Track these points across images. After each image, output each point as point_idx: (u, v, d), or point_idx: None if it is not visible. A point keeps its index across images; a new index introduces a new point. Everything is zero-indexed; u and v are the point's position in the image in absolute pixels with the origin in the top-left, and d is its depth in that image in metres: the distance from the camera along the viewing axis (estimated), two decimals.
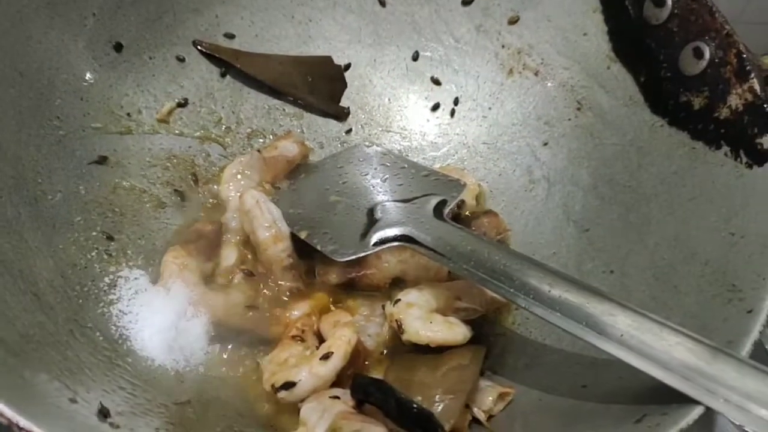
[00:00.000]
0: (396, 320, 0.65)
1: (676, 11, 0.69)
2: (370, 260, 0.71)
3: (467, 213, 0.80)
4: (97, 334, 0.61)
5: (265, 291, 0.70)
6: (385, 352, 0.68)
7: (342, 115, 0.87)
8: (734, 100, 0.65)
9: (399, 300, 0.67)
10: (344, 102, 0.87)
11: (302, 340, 0.66)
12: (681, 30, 0.69)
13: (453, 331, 0.65)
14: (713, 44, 0.67)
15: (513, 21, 0.83)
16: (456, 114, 0.87)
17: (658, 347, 0.51)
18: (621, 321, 0.53)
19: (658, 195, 0.70)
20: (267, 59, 0.85)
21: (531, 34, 0.83)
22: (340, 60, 0.87)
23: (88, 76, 0.73)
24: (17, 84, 0.66)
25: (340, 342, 0.62)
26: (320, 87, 0.87)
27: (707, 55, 0.67)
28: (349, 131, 0.87)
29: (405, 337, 0.64)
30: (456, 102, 0.87)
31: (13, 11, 0.66)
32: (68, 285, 0.63)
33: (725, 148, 0.65)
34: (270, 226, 0.69)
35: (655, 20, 0.71)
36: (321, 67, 0.87)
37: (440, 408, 0.59)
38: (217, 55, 0.82)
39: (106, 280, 0.67)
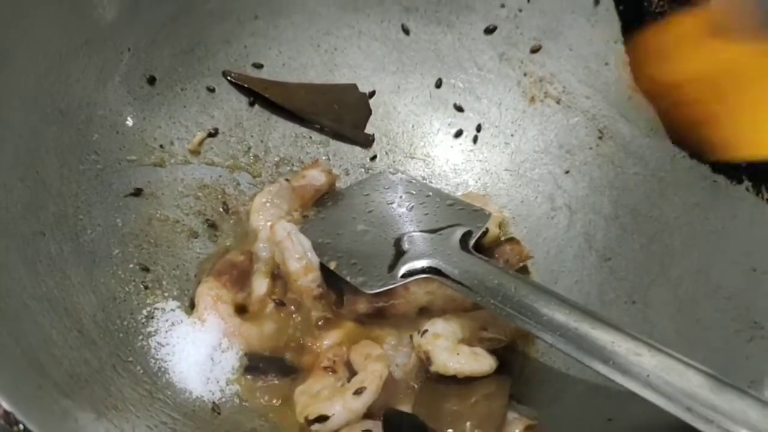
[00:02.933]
0: (424, 351, 0.67)
1: None
2: (398, 290, 0.72)
3: (489, 240, 0.82)
4: (138, 368, 0.63)
5: (296, 319, 0.73)
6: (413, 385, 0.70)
7: (367, 142, 0.89)
8: None
9: (426, 331, 0.69)
10: (369, 129, 0.89)
11: (334, 371, 0.68)
12: None
13: (480, 362, 0.67)
14: None
15: (535, 50, 0.85)
16: (479, 141, 0.88)
17: (683, 388, 0.52)
18: (647, 361, 0.54)
19: (681, 227, 0.71)
20: (294, 88, 0.87)
21: (553, 62, 0.84)
22: (364, 87, 0.89)
23: (123, 110, 0.76)
24: (58, 122, 0.69)
25: (373, 377, 0.64)
26: (346, 114, 0.88)
27: None
28: (373, 158, 0.89)
29: (433, 368, 0.66)
30: (479, 129, 0.88)
31: (54, 52, 0.68)
32: (109, 319, 0.65)
33: (746, 183, 0.66)
34: (301, 257, 0.71)
35: None
36: (346, 94, 0.89)
37: None
38: (246, 85, 0.84)
39: (144, 312, 0.69)
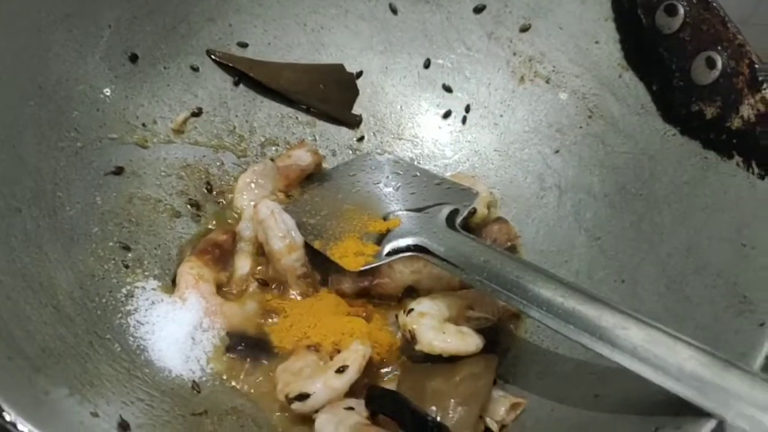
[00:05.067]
0: (409, 330, 0.66)
1: (688, 20, 0.69)
2: (383, 270, 0.71)
3: (478, 220, 0.81)
4: (116, 345, 0.62)
5: (278, 300, 0.72)
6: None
7: (354, 122, 0.88)
8: (746, 111, 0.65)
9: (412, 310, 0.68)
10: (356, 109, 0.88)
11: (317, 350, 0.67)
12: (693, 39, 0.69)
13: (466, 341, 0.66)
14: (725, 54, 0.67)
15: (525, 29, 0.83)
16: (467, 121, 0.87)
17: (671, 360, 0.51)
18: (634, 334, 0.53)
19: (670, 204, 0.70)
20: (279, 67, 0.86)
21: (542, 41, 0.83)
22: (352, 67, 0.88)
23: (104, 87, 0.74)
24: (36, 97, 0.67)
25: (356, 355, 0.63)
26: (332, 95, 0.87)
27: (719, 65, 0.67)
28: (361, 139, 0.88)
29: (418, 347, 0.65)
30: (467, 109, 0.87)
31: (33, 25, 0.67)
32: (87, 296, 0.64)
33: (737, 158, 0.65)
34: (284, 236, 0.70)
35: (667, 29, 0.71)
36: (333, 74, 0.88)
37: (455, 419, 0.60)
38: (230, 64, 0.83)
39: (123, 290, 0.68)
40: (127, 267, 0.70)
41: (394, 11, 0.86)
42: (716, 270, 0.62)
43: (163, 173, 0.78)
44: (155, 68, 0.79)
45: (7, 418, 0.44)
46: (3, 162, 0.62)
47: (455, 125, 0.88)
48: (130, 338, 0.64)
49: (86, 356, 0.58)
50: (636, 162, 0.75)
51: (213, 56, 0.82)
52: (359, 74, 0.88)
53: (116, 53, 0.75)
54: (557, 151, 0.82)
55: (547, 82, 0.83)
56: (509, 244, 0.79)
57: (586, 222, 0.77)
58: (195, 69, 0.82)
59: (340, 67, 0.88)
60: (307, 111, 0.87)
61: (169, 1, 0.78)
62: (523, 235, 0.80)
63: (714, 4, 0.68)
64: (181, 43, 0.80)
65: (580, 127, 0.81)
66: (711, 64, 0.68)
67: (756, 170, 0.63)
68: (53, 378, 0.52)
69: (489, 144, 0.86)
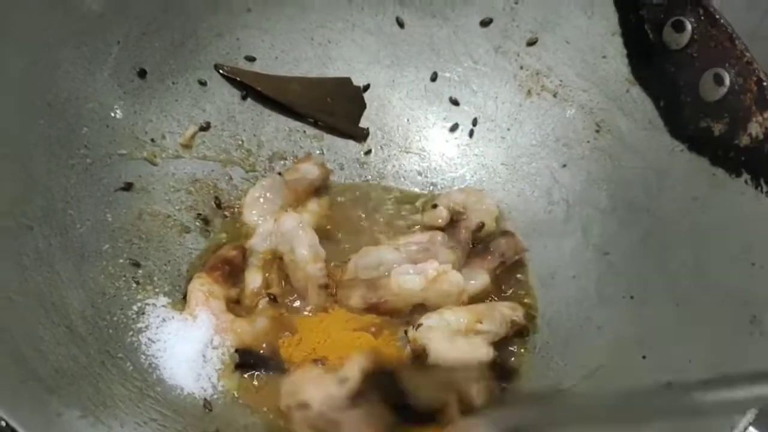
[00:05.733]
0: (419, 345, 0.66)
1: (695, 37, 0.70)
2: (392, 286, 0.72)
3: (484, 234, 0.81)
4: (128, 364, 0.63)
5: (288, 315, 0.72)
6: None
7: (361, 136, 0.88)
8: (754, 128, 0.65)
9: (421, 324, 0.68)
10: (363, 123, 0.88)
11: (323, 364, 0.67)
12: (701, 56, 0.69)
13: (477, 350, 0.66)
14: (733, 71, 0.67)
15: (532, 43, 0.84)
16: (475, 135, 0.87)
17: None
18: None
19: (678, 221, 0.70)
20: (287, 81, 0.86)
21: (550, 55, 0.83)
22: (359, 81, 0.88)
23: (113, 103, 0.74)
24: (46, 114, 0.68)
25: (356, 367, 0.63)
26: (340, 108, 0.87)
27: (727, 82, 0.67)
28: (368, 152, 0.88)
29: (431, 360, 0.65)
30: (475, 123, 0.87)
31: (42, 42, 0.67)
32: (98, 315, 0.64)
33: (745, 176, 0.65)
34: (311, 245, 0.72)
35: (675, 45, 0.71)
36: (340, 88, 0.88)
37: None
38: (238, 78, 0.83)
39: (134, 308, 0.68)
40: (137, 284, 0.70)
41: (401, 25, 0.87)
42: (725, 289, 0.62)
43: (172, 188, 0.78)
44: (164, 83, 0.79)
45: None
46: (14, 181, 0.62)
47: (462, 138, 0.88)
48: (142, 356, 0.64)
49: (99, 376, 0.58)
50: (644, 177, 0.75)
51: (221, 71, 0.83)
52: (366, 87, 0.88)
53: (125, 69, 0.75)
54: (565, 165, 0.82)
55: (554, 96, 0.84)
56: (516, 257, 0.79)
57: (593, 237, 0.77)
58: (203, 84, 0.82)
59: (347, 81, 0.88)
60: (315, 124, 0.87)
61: (178, 17, 0.78)
62: (530, 249, 0.80)
63: (722, 20, 0.68)
64: (189, 59, 0.80)
65: (588, 142, 0.81)
66: (719, 80, 0.68)
67: (764, 188, 0.63)
68: (66, 399, 0.52)
69: (496, 157, 0.86)
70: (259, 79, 0.84)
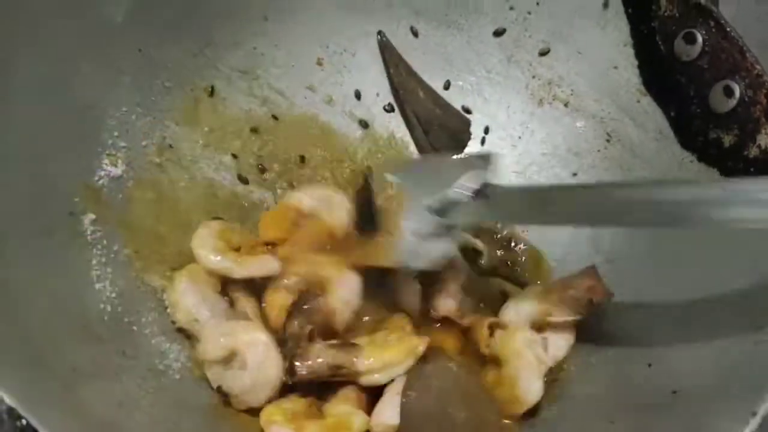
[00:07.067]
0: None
1: (706, 49, 0.70)
2: None
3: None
4: (144, 364, 0.64)
5: None
6: None
7: None
8: (764, 140, 0.66)
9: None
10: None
11: None
12: (711, 68, 0.70)
13: None
14: (743, 83, 0.68)
15: (544, 53, 0.85)
16: (486, 143, 0.88)
17: None
18: None
19: (686, 231, 0.71)
20: (418, 81, 0.88)
21: (561, 65, 0.84)
22: (372, 89, 0.89)
23: (132, 111, 0.76)
24: (67, 122, 0.69)
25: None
26: (439, 136, 0.87)
27: (737, 93, 0.68)
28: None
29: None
30: (486, 131, 0.88)
31: (62, 51, 0.68)
32: (116, 316, 0.65)
33: None
34: None
35: (685, 56, 0.72)
36: (454, 122, 0.88)
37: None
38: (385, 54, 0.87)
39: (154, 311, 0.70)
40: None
41: (415, 34, 0.88)
42: (732, 300, 0.63)
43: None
44: (183, 90, 0.80)
45: None
46: (36, 187, 0.64)
47: (474, 146, 0.89)
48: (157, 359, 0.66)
49: (115, 376, 0.60)
50: None
51: (379, 36, 0.87)
52: (483, 140, 0.89)
53: (144, 76, 0.77)
54: (575, 174, 0.83)
55: (565, 105, 0.84)
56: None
57: (602, 245, 0.78)
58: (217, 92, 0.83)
59: (465, 121, 0.88)
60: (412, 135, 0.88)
61: (195, 26, 0.79)
62: (539, 257, 0.81)
63: (732, 33, 0.69)
64: (206, 66, 0.82)
65: (598, 151, 0.82)
66: (729, 92, 0.68)
67: None
68: (84, 398, 0.54)
69: (507, 166, 0.87)
70: (398, 64, 0.87)
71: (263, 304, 0.71)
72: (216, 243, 0.70)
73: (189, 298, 0.67)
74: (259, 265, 0.70)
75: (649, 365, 0.64)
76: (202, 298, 0.68)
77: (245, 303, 0.70)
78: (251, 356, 0.64)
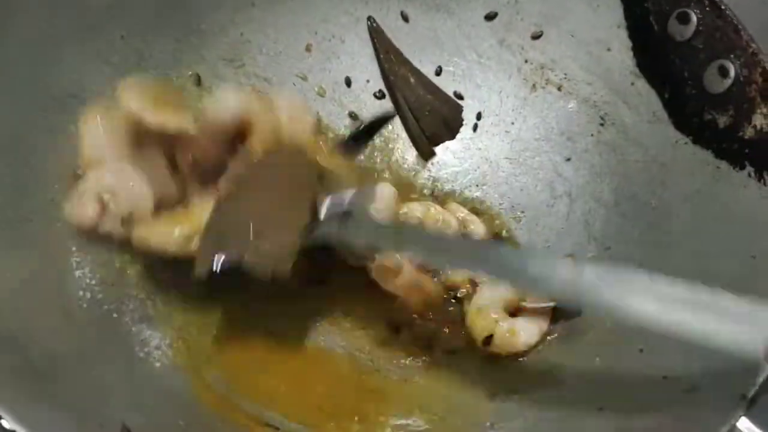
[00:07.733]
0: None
1: (701, 28, 0.69)
2: None
3: None
4: (124, 352, 0.63)
5: None
6: None
7: (427, 154, 0.87)
8: (759, 120, 0.65)
9: None
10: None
11: None
12: (706, 47, 0.69)
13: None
14: (738, 63, 0.66)
15: (536, 36, 0.83)
16: (478, 129, 0.87)
17: None
18: None
19: (681, 214, 0.70)
20: (408, 68, 0.86)
21: (554, 49, 0.82)
22: (362, 75, 0.87)
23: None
24: (49, 109, 0.69)
25: None
26: (431, 121, 0.86)
27: (732, 73, 0.66)
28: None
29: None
30: (479, 117, 0.87)
31: (44, 37, 0.68)
32: (96, 303, 0.65)
33: (749, 169, 0.65)
34: None
35: (679, 37, 0.71)
36: (446, 107, 0.87)
37: None
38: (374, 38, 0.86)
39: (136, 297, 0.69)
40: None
41: (405, 19, 0.87)
42: (725, 282, 0.61)
43: None
44: (167, 78, 0.79)
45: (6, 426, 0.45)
46: (16, 174, 0.63)
47: (466, 132, 0.87)
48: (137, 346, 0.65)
49: (93, 363, 0.59)
50: (647, 170, 0.75)
51: (369, 22, 0.85)
52: (476, 126, 0.87)
53: (129, 63, 0.76)
54: (568, 159, 0.82)
55: (558, 89, 0.83)
56: None
57: (596, 231, 0.77)
58: (203, 79, 0.82)
59: (456, 107, 0.87)
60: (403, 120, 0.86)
61: (181, 12, 0.78)
62: (532, 244, 0.80)
63: (727, 11, 0.67)
64: (193, 53, 0.81)
65: (592, 135, 0.80)
66: (724, 72, 0.67)
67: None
68: (59, 387, 0.53)
69: (500, 152, 0.85)
70: (388, 50, 0.86)
71: None
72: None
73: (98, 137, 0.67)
74: (176, 118, 0.69)
75: (641, 350, 0.63)
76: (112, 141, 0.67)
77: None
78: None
